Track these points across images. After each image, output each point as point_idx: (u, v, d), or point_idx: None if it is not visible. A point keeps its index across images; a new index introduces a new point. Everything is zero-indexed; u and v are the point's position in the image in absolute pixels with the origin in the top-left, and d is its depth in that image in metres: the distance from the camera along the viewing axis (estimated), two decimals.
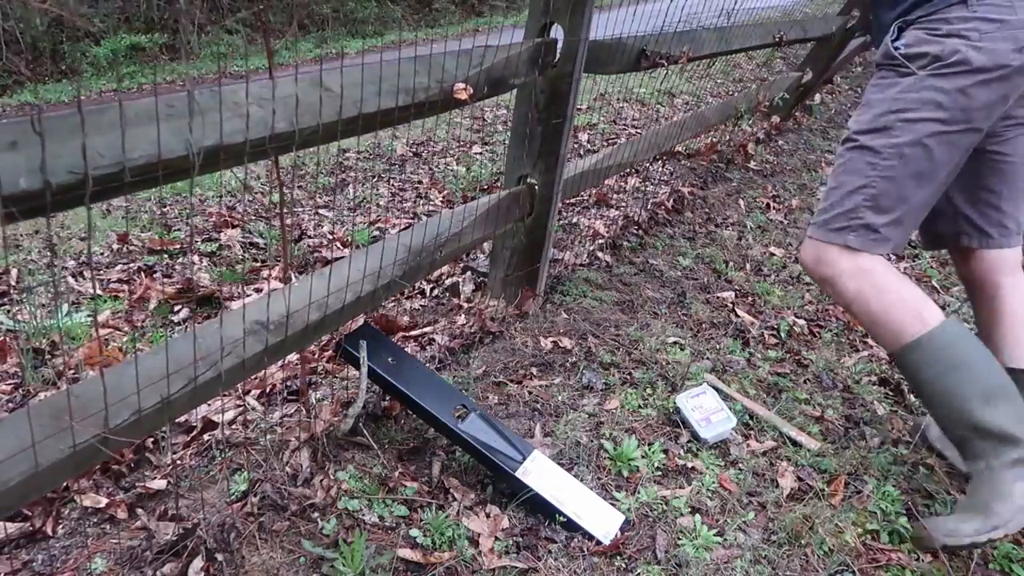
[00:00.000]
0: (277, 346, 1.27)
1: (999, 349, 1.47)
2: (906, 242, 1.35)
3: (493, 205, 1.84)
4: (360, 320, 1.88)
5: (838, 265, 1.32)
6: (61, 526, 1.34)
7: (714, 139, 4.02)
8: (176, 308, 2.22)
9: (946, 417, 1.28)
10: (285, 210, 3.15)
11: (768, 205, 3.40)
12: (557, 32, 1.80)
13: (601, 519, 1.38)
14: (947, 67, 1.20)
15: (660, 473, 1.54)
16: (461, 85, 1.49)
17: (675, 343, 2.06)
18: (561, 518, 1.38)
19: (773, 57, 6.43)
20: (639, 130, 4.31)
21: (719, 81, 5.27)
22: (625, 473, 1.53)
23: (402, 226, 2.85)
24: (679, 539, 1.37)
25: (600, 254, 2.60)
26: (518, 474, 1.40)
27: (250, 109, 1.04)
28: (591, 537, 1.36)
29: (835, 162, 1.39)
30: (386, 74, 1.30)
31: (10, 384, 1.80)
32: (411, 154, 4.14)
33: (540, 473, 1.43)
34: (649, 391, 1.82)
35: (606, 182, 3.45)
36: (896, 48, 1.26)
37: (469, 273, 2.36)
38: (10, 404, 1.70)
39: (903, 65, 1.25)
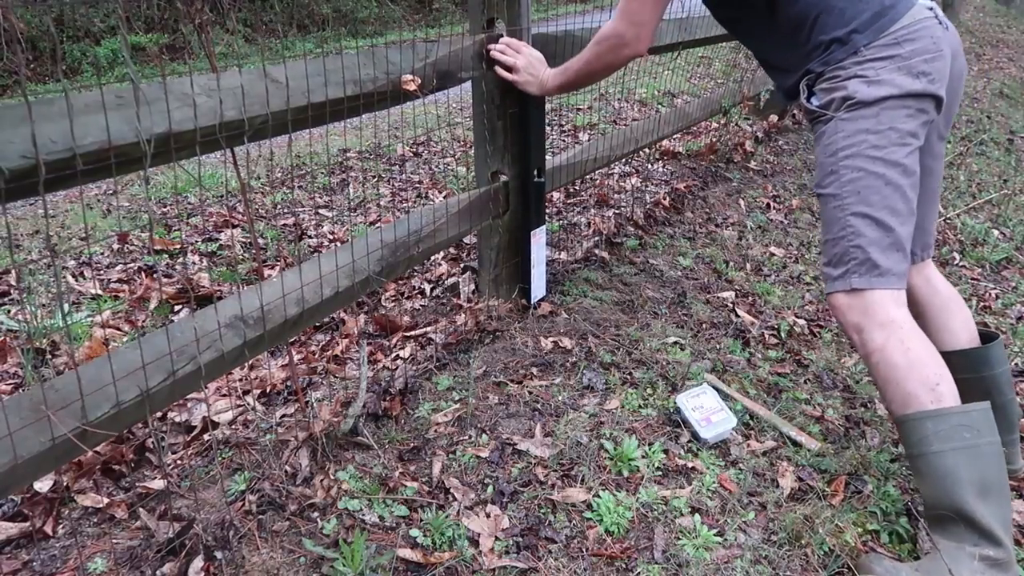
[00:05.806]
0: (256, 340, 1.30)
1: (937, 340, 1.55)
2: (907, 267, 1.38)
3: (466, 203, 1.87)
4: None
5: (867, 312, 1.34)
6: (61, 526, 1.34)
7: (713, 139, 4.02)
8: (176, 308, 2.22)
9: (934, 494, 1.29)
10: (286, 210, 3.14)
11: (768, 205, 3.40)
12: (500, 27, 1.82)
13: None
14: (857, 102, 1.31)
15: (660, 473, 1.54)
16: (408, 77, 1.52)
17: (675, 343, 2.06)
18: None
19: None
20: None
21: (720, 81, 5.27)
22: (625, 473, 1.53)
23: None
24: (679, 539, 1.37)
25: (596, 251, 2.60)
26: None
27: (197, 99, 1.08)
28: None
29: None
30: (332, 66, 1.34)
31: (10, 384, 1.81)
32: (411, 154, 4.15)
33: None
34: (649, 391, 1.82)
35: (607, 182, 3.45)
36: (811, 104, 1.38)
37: (469, 273, 2.36)
38: None
39: (822, 116, 1.37)
